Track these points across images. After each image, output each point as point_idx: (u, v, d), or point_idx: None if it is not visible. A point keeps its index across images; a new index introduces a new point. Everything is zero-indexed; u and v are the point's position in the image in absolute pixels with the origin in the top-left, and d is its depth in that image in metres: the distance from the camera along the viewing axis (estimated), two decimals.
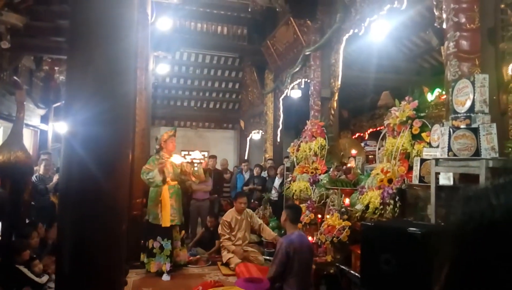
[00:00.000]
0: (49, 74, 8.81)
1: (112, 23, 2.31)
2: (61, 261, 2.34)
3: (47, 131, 9.24)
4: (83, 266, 2.22)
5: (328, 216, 4.36)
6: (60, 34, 6.11)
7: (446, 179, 2.93)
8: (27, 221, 5.36)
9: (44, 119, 9.12)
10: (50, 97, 9.30)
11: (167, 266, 4.92)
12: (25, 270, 3.77)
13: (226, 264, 5.39)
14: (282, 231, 3.94)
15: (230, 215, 5.69)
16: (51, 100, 9.27)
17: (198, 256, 5.83)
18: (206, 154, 12.03)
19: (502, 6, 3.12)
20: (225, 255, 5.46)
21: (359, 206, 3.93)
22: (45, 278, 3.93)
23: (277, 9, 7.53)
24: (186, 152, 12.28)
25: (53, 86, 9.15)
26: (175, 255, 5.16)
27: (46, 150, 8.00)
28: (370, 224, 2.83)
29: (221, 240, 5.61)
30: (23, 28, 5.89)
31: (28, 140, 8.16)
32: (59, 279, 2.41)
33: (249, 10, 8.45)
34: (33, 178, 5.96)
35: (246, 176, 8.30)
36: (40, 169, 6.21)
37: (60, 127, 8.37)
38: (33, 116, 8.61)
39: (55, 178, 6.00)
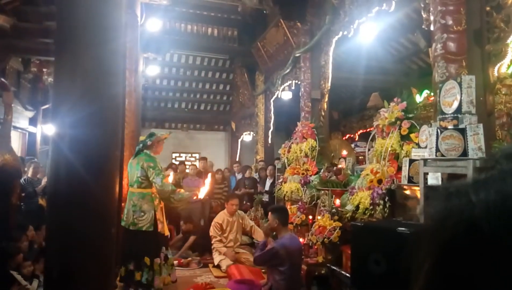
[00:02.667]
0: (37, 76, 8.71)
1: (100, 25, 2.30)
2: (49, 265, 2.32)
3: (36, 134, 9.13)
4: (72, 270, 2.20)
5: (319, 217, 4.38)
6: (48, 35, 6.04)
7: (434, 179, 2.96)
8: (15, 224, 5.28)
9: (33, 121, 9.01)
10: (39, 99, 9.19)
11: (172, 277, 4.42)
12: (19, 277, 3.72)
13: (218, 266, 5.38)
14: (274, 233, 3.90)
15: (221, 217, 5.68)
16: (39, 102, 9.17)
17: (189, 259, 5.80)
18: (197, 155, 12.02)
19: (488, 8, 3.17)
20: (217, 257, 5.45)
21: (349, 207, 3.96)
22: (35, 284, 3.87)
23: (265, 11, 7.56)
24: (177, 154, 12.27)
25: (41, 88, 9.05)
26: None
27: (32, 156, 7.88)
28: (359, 224, 2.85)
29: (212, 241, 5.59)
30: (10, 29, 5.82)
31: (16, 142, 8.05)
32: (47, 283, 2.39)
33: (239, 11, 8.46)
34: (22, 181, 5.90)
35: (239, 177, 8.31)
36: (29, 172, 6.15)
37: (48, 129, 8.27)
38: (21, 118, 8.50)
39: (44, 180, 5.94)
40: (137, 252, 4.14)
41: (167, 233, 4.46)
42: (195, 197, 4.44)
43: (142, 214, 4.18)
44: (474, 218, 0.33)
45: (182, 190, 4.55)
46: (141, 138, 4.58)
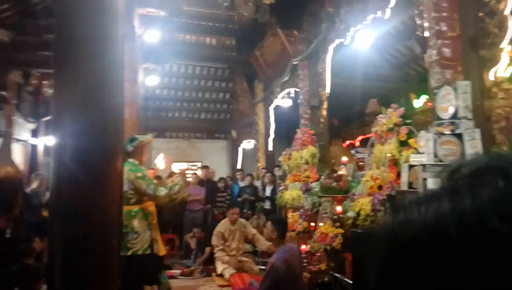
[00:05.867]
0: (38, 88, 8.76)
1: (99, 36, 2.34)
2: (52, 277, 2.33)
3: (37, 145, 9.17)
4: (75, 281, 2.21)
5: (321, 224, 4.38)
6: (47, 48, 6.11)
7: (434, 185, 2.97)
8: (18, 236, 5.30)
9: (34, 133, 9.05)
10: (40, 111, 9.23)
11: None
12: None
13: (221, 275, 5.36)
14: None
15: (223, 226, 5.68)
16: (40, 114, 9.21)
17: (192, 268, 5.79)
18: (199, 164, 12.03)
19: (481, 14, 3.21)
20: (219, 266, 5.44)
21: (350, 213, 3.96)
22: None
23: (259, 21, 7.63)
24: (179, 163, 12.27)
25: (42, 100, 9.10)
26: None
27: (37, 171, 7.92)
28: (360, 231, 2.86)
29: (214, 251, 5.58)
30: (10, 42, 5.88)
31: (18, 154, 8.08)
32: None
33: (236, 21, 8.54)
34: (28, 191, 5.98)
35: (242, 185, 8.33)
36: (35, 184, 6.22)
37: (50, 141, 8.30)
38: (23, 130, 8.53)
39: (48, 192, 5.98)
40: (135, 281, 3.51)
41: (162, 253, 3.89)
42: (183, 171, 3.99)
43: (136, 235, 3.54)
44: (411, 237, 0.33)
45: (170, 181, 4.01)
46: None
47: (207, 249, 5.97)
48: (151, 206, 3.76)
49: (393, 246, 0.35)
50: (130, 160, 3.67)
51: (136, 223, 3.57)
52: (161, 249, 3.84)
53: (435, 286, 0.31)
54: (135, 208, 3.62)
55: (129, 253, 3.49)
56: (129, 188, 3.55)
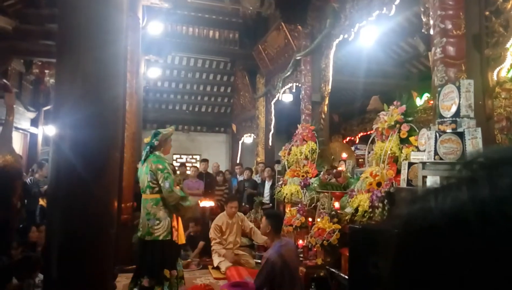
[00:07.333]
0: (39, 77, 8.75)
1: (101, 27, 2.32)
2: (49, 265, 2.33)
3: (37, 135, 9.17)
4: (71, 271, 2.21)
5: (318, 219, 4.39)
6: (49, 37, 6.08)
7: (433, 183, 2.97)
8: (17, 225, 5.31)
9: (34, 122, 9.05)
10: (40, 100, 9.23)
11: None
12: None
13: (217, 268, 5.38)
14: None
15: (221, 219, 5.69)
16: (41, 103, 9.21)
17: (188, 260, 5.81)
18: (198, 157, 12.03)
19: (487, 13, 3.19)
20: (216, 259, 5.46)
21: (349, 209, 3.96)
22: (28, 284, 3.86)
23: (263, 14, 7.58)
24: (178, 156, 12.28)
25: (43, 89, 9.09)
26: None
27: (39, 160, 7.94)
28: (357, 227, 2.86)
29: (211, 243, 5.60)
30: (13, 31, 5.85)
31: (18, 143, 8.08)
32: (46, 284, 2.40)
33: (240, 15, 8.50)
34: (28, 180, 6.00)
35: (240, 179, 8.34)
36: (38, 172, 6.26)
37: (50, 131, 8.30)
38: (23, 119, 8.53)
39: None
40: (155, 265, 3.83)
41: (181, 242, 4.09)
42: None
43: (158, 222, 3.83)
44: (429, 225, 0.34)
45: (190, 197, 4.23)
46: (146, 140, 4.23)
47: (200, 243, 6.00)
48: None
49: (410, 234, 0.36)
50: (156, 152, 4.02)
51: (159, 211, 3.86)
52: (181, 238, 4.06)
53: (455, 273, 0.32)
54: (158, 196, 3.89)
55: (151, 238, 3.82)
56: (151, 179, 3.89)
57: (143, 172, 4.02)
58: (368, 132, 8.98)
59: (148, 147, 4.06)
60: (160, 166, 3.88)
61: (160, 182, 3.85)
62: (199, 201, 4.32)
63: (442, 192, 0.35)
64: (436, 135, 2.68)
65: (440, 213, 0.34)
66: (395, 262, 0.37)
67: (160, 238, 3.82)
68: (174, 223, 3.93)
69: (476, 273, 0.31)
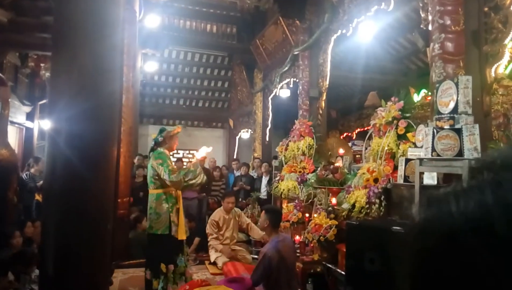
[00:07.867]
0: (35, 71, 8.67)
1: (98, 20, 2.29)
2: (45, 261, 2.32)
3: (33, 129, 9.11)
4: (68, 266, 2.20)
5: (315, 215, 4.40)
6: (45, 30, 6.01)
7: (430, 179, 2.98)
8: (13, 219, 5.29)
9: (30, 116, 8.98)
10: (36, 94, 9.16)
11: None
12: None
13: (214, 263, 5.39)
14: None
15: (218, 214, 5.69)
16: (36, 97, 9.13)
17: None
18: (195, 152, 11.99)
19: (486, 9, 3.18)
20: (213, 254, 5.47)
21: (345, 205, 3.97)
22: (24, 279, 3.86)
23: (261, 8, 7.53)
24: (175, 151, 12.25)
25: (39, 83, 9.01)
26: (188, 275, 4.19)
27: (35, 155, 7.91)
28: (354, 223, 2.87)
29: (208, 239, 5.60)
30: (8, 23, 5.79)
31: (13, 137, 8.02)
32: (43, 279, 2.39)
33: (238, 9, 8.44)
34: (24, 175, 5.96)
35: (237, 174, 8.33)
36: (34, 167, 6.22)
37: (45, 125, 8.25)
38: (19, 113, 8.47)
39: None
40: (154, 258, 3.95)
41: (181, 237, 4.05)
42: (203, 159, 4.29)
43: (157, 216, 3.94)
44: (451, 230, 0.33)
45: (189, 166, 4.22)
46: (153, 136, 4.29)
47: (196, 239, 6.00)
48: (175, 191, 4.08)
49: (429, 239, 0.35)
50: (159, 149, 4.09)
51: (159, 205, 3.97)
52: (181, 233, 4.05)
53: (480, 278, 0.31)
54: (159, 192, 4.01)
55: (152, 231, 3.96)
56: (153, 174, 3.99)
57: (148, 168, 4.15)
58: (366, 128, 8.99)
59: (153, 142, 4.17)
60: (160, 161, 3.95)
61: (162, 176, 3.90)
62: (197, 158, 4.24)
63: (463, 195, 0.34)
64: (433, 132, 2.67)
65: (462, 217, 0.32)
66: (414, 267, 0.36)
67: (159, 232, 3.91)
68: (174, 218, 3.98)
69: (503, 282, 0.29)
